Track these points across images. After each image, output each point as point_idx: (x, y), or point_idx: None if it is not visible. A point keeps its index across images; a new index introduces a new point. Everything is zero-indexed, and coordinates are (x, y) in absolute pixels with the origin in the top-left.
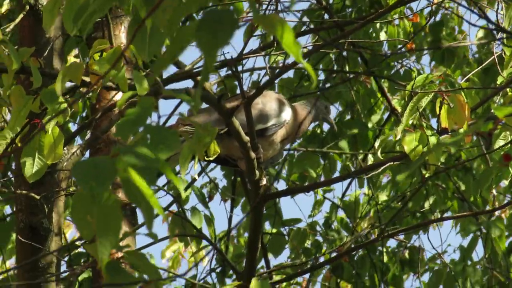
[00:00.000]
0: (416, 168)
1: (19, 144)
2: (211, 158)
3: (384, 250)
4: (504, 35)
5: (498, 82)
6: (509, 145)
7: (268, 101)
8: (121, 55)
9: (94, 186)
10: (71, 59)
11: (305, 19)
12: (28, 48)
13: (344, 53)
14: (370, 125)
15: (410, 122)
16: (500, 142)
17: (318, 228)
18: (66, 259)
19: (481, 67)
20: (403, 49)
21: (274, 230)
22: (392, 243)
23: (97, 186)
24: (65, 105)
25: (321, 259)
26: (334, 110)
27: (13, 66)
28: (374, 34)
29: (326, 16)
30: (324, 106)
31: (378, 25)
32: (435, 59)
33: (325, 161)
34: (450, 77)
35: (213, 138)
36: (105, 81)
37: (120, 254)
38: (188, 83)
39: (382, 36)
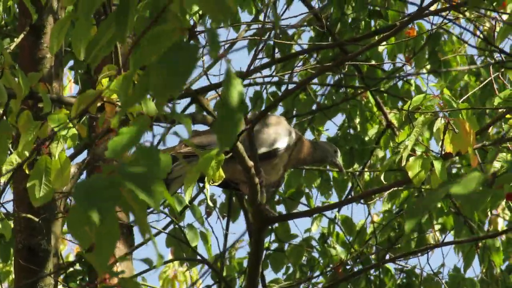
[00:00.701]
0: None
1: (26, 171)
2: (215, 184)
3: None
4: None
5: (495, 103)
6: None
7: (272, 125)
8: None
9: (99, 211)
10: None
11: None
12: (36, 73)
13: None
14: (366, 138)
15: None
16: (496, 164)
17: (314, 243)
18: (63, 277)
19: (476, 89)
20: (402, 64)
21: (273, 247)
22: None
23: (102, 211)
24: (74, 130)
25: (317, 277)
26: (333, 125)
27: (23, 92)
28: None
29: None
30: (333, 150)
31: (386, 45)
32: (432, 74)
33: (322, 177)
34: (447, 97)
35: (221, 164)
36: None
37: (115, 280)
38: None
39: (381, 48)
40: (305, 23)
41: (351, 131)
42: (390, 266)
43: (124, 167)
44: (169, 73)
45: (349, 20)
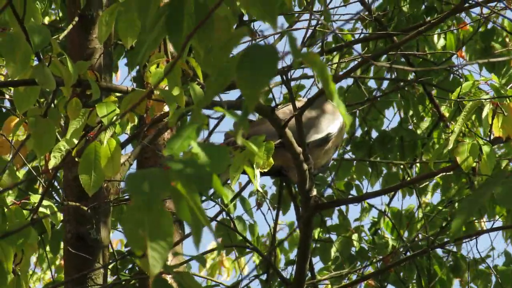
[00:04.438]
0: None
1: (76, 158)
2: (264, 170)
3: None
4: None
5: None
6: None
7: (323, 111)
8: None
9: (147, 196)
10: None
11: (354, 25)
12: (85, 62)
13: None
14: (419, 131)
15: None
16: None
17: (363, 235)
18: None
19: None
20: (453, 58)
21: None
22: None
23: (149, 196)
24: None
25: (366, 267)
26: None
27: (71, 79)
28: (429, 41)
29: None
30: None
31: (435, 34)
32: (485, 67)
33: (372, 169)
34: (496, 84)
35: (271, 153)
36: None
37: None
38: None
39: (441, 42)
40: (356, 15)
41: (402, 124)
42: (440, 253)
43: (177, 161)
44: (255, 70)
45: (405, 18)
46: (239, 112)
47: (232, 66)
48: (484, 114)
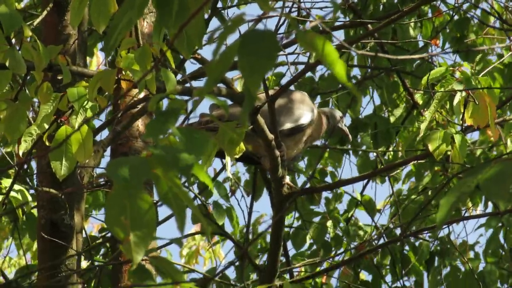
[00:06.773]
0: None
1: (46, 142)
2: (236, 156)
3: (407, 245)
4: None
5: None
6: None
7: (296, 101)
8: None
9: (129, 182)
10: (96, 53)
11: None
12: (56, 46)
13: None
14: (392, 119)
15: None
16: None
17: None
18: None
19: (499, 61)
20: (425, 44)
21: (295, 223)
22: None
23: (131, 183)
24: (93, 103)
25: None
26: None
27: (42, 63)
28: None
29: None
30: (340, 116)
31: (411, 23)
32: (459, 55)
33: (344, 156)
34: (467, 71)
35: (242, 138)
36: (139, 87)
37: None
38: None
39: (417, 31)
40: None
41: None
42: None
43: (158, 147)
44: (257, 57)
45: (382, 6)
46: (222, 99)
47: (232, 51)
48: (455, 102)
